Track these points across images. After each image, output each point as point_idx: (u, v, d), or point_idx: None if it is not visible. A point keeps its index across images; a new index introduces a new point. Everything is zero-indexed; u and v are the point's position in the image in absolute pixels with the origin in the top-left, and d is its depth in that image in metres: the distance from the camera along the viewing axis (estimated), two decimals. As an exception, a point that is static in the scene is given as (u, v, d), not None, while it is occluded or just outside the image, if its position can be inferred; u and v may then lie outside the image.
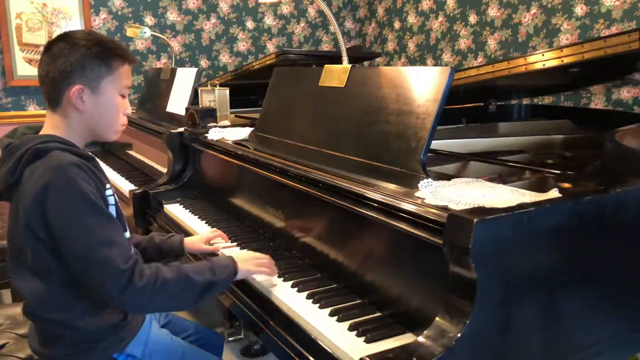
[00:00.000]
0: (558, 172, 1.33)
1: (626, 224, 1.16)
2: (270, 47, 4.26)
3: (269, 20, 4.22)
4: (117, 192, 2.43)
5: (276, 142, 1.79)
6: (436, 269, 1.01)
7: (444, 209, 1.04)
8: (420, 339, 0.96)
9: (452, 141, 1.78)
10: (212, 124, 2.32)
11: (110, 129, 1.29)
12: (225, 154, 1.92)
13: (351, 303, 1.22)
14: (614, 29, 2.64)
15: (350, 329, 1.11)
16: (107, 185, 1.23)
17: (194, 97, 2.57)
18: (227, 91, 2.51)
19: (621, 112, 2.59)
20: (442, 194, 1.12)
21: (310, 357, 1.09)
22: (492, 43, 3.33)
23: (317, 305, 1.21)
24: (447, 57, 3.67)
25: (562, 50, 1.58)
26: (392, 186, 1.23)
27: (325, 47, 4.47)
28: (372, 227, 1.22)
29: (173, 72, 2.81)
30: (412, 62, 4.00)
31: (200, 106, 2.50)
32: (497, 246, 0.95)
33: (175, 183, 2.20)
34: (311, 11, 4.35)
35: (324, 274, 1.38)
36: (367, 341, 1.06)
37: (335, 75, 1.63)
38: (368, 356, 0.95)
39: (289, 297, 1.27)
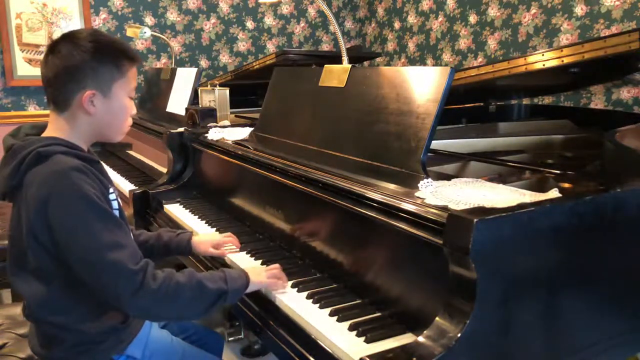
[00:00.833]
0: (558, 172, 1.33)
1: (626, 224, 1.16)
2: (270, 47, 4.26)
3: (269, 20, 4.22)
4: (117, 192, 2.43)
5: (276, 142, 1.78)
6: (436, 269, 1.01)
7: (444, 209, 1.04)
8: (420, 339, 0.96)
9: (452, 141, 1.78)
10: (212, 124, 2.32)
11: (118, 131, 1.28)
12: (225, 154, 1.92)
13: (351, 303, 1.22)
14: (614, 29, 2.64)
15: (350, 329, 1.11)
16: (111, 189, 1.22)
17: (194, 97, 2.57)
18: (227, 91, 2.51)
19: (621, 112, 2.59)
20: (442, 194, 1.12)
21: (310, 357, 1.09)
22: (492, 43, 3.33)
23: (317, 305, 1.21)
24: (447, 57, 3.67)
25: (562, 50, 1.58)
26: (392, 186, 1.23)
27: (325, 47, 4.47)
28: (372, 227, 1.22)
29: (173, 72, 2.81)
30: (412, 62, 4.00)
31: (200, 106, 2.50)
32: (497, 246, 0.95)
33: (175, 183, 2.20)
34: (311, 11, 4.35)
35: (324, 274, 1.38)
36: (367, 341, 1.06)
37: (335, 75, 1.63)
38: (368, 356, 0.95)
39: (289, 297, 1.26)
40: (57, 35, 1.25)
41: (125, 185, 2.48)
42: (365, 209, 1.21)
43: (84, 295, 1.18)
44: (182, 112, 2.51)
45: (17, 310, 1.57)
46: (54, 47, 1.20)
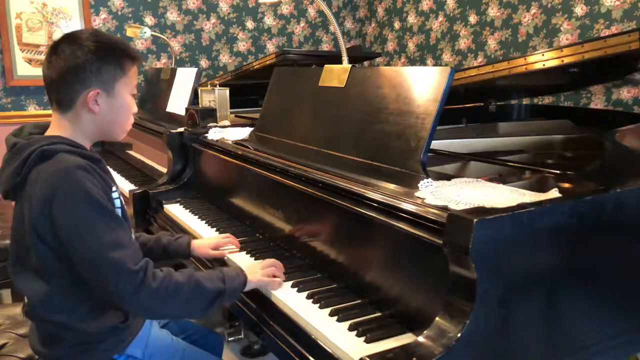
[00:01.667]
0: (558, 172, 1.33)
1: (626, 224, 1.16)
2: (270, 47, 4.26)
3: (269, 20, 4.22)
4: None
5: (276, 142, 1.79)
6: (436, 269, 1.01)
7: (444, 209, 1.04)
8: (420, 339, 0.96)
9: (452, 141, 1.78)
10: (212, 124, 2.32)
11: (121, 129, 1.29)
12: (225, 154, 1.92)
13: (351, 303, 1.22)
14: (614, 29, 2.64)
15: (350, 329, 1.11)
16: (114, 188, 1.23)
17: (194, 97, 2.57)
18: (227, 91, 2.51)
19: (621, 112, 2.59)
20: (442, 194, 1.12)
21: (310, 357, 1.09)
22: (492, 43, 3.33)
23: (317, 305, 1.21)
24: (447, 57, 3.67)
25: (562, 50, 1.58)
26: (392, 186, 1.23)
27: (325, 47, 4.47)
28: (372, 227, 1.22)
29: (173, 72, 2.81)
30: (412, 62, 4.00)
31: (200, 106, 2.50)
32: (497, 246, 0.95)
33: (175, 183, 2.20)
34: (311, 11, 4.35)
35: (324, 274, 1.38)
36: (367, 341, 1.06)
37: (335, 75, 1.63)
38: (368, 356, 0.95)
39: (289, 297, 1.26)
40: (57, 35, 1.25)
41: (125, 185, 2.48)
42: (365, 209, 1.21)
43: (85, 294, 1.18)
44: (182, 112, 2.51)
45: (17, 310, 1.57)
46: (56, 47, 1.20)
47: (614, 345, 1.19)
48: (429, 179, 1.20)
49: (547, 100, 2.96)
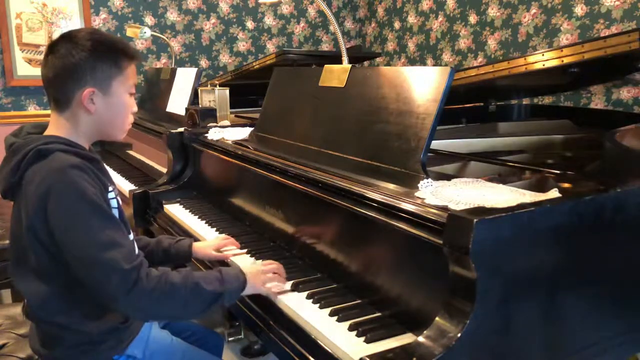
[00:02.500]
0: (558, 172, 1.33)
1: (626, 224, 1.16)
2: (270, 47, 4.26)
3: (269, 20, 4.22)
4: (118, 191, 2.43)
5: (276, 142, 1.79)
6: (436, 269, 1.01)
7: (444, 209, 1.04)
8: (420, 339, 0.96)
9: (452, 141, 1.78)
10: (212, 124, 2.32)
11: (119, 128, 1.29)
12: (225, 154, 1.92)
13: (351, 303, 1.22)
14: (614, 29, 2.64)
15: (350, 329, 1.11)
16: (110, 188, 1.22)
17: (194, 97, 2.57)
18: (227, 91, 2.51)
19: (621, 112, 2.59)
20: (442, 194, 1.12)
21: (310, 357, 1.09)
22: (492, 43, 3.33)
23: (317, 305, 1.21)
24: (447, 57, 3.67)
25: (562, 50, 1.58)
26: (392, 186, 1.23)
27: (325, 47, 4.47)
28: (372, 227, 1.22)
29: (173, 72, 2.81)
30: (412, 62, 4.00)
31: (200, 106, 2.50)
32: (497, 246, 0.95)
33: (175, 183, 2.20)
34: (311, 11, 4.35)
35: (324, 274, 1.38)
36: (367, 341, 1.06)
37: (335, 75, 1.63)
38: (368, 356, 0.95)
39: (289, 297, 1.26)
40: (57, 35, 1.25)
41: (125, 185, 2.48)
42: (365, 209, 1.21)
43: (85, 294, 1.18)
44: (182, 112, 2.51)
45: (17, 310, 1.57)
46: (53, 47, 1.20)
47: (614, 345, 1.19)
48: (429, 179, 1.20)
49: (547, 100, 2.96)
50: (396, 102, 1.38)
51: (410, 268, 1.13)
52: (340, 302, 1.22)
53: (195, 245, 1.52)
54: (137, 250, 1.20)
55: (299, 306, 1.22)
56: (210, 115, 2.38)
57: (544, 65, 1.62)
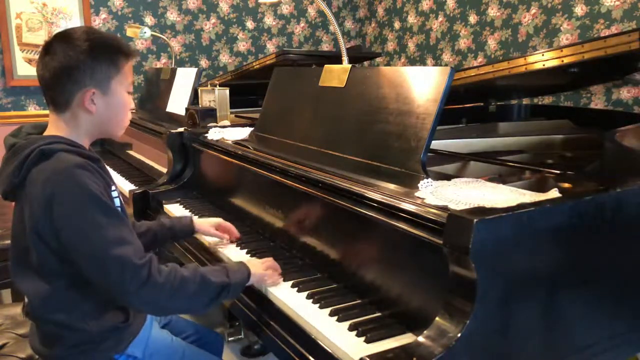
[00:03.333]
0: (558, 172, 1.33)
1: (626, 224, 1.16)
2: (270, 47, 4.26)
3: (269, 20, 4.22)
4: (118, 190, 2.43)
5: (276, 142, 1.79)
6: (436, 269, 1.01)
7: (444, 209, 1.04)
8: (420, 339, 0.96)
9: (452, 141, 1.78)
10: (212, 124, 2.32)
11: (119, 126, 1.29)
12: (225, 154, 1.92)
13: (351, 303, 1.22)
14: (614, 29, 2.64)
15: (350, 329, 1.11)
16: (113, 187, 1.23)
17: (194, 97, 2.57)
18: (227, 91, 2.51)
19: (621, 112, 2.59)
20: (442, 194, 1.12)
21: (310, 357, 1.09)
22: (492, 43, 3.33)
23: (317, 305, 1.21)
24: (447, 57, 3.67)
25: (562, 50, 1.58)
26: (392, 186, 1.23)
27: (325, 47, 4.47)
28: (372, 227, 1.22)
29: (173, 72, 2.81)
30: (412, 62, 4.00)
31: (200, 106, 2.50)
32: (497, 246, 0.95)
33: (175, 183, 2.20)
34: (311, 11, 4.35)
35: (324, 274, 1.38)
36: (367, 341, 1.06)
37: (335, 75, 1.63)
38: (368, 356, 0.95)
39: (289, 297, 1.26)
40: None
41: (125, 185, 2.48)
42: (365, 209, 1.21)
43: (86, 293, 1.18)
44: (182, 112, 2.51)
45: (17, 310, 1.57)
46: (49, 47, 1.20)
47: (614, 345, 1.19)
48: (429, 179, 1.20)
49: (547, 100, 2.96)
50: (396, 102, 1.38)
51: (410, 268, 1.13)
52: (340, 302, 1.22)
53: (196, 220, 1.60)
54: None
55: (299, 306, 1.22)
56: (210, 115, 2.38)
57: (544, 65, 1.62)
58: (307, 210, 1.49)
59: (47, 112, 1.26)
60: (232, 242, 1.62)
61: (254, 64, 2.87)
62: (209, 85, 2.54)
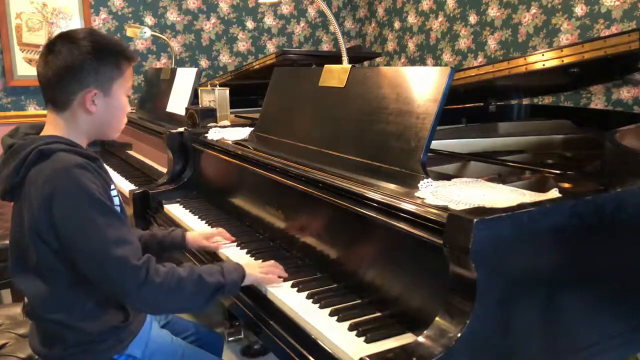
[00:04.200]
0: (558, 172, 1.33)
1: (626, 224, 1.16)
2: (270, 47, 4.26)
3: (269, 20, 4.22)
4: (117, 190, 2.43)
5: (276, 142, 1.79)
6: (436, 269, 1.01)
7: (444, 209, 1.04)
8: (420, 339, 0.96)
9: (452, 141, 1.78)
10: (212, 124, 2.32)
11: (115, 129, 1.30)
12: (225, 154, 1.92)
13: (351, 303, 1.22)
14: (614, 29, 2.64)
15: (350, 329, 1.11)
16: (112, 186, 1.23)
17: (194, 97, 2.57)
18: (227, 91, 2.51)
19: (621, 112, 2.59)
20: (442, 194, 1.12)
21: (310, 357, 1.09)
22: (492, 43, 3.33)
23: (317, 305, 1.21)
24: (447, 57, 3.67)
25: (562, 50, 1.58)
26: (392, 186, 1.23)
27: (325, 47, 4.47)
28: (372, 227, 1.22)
29: (173, 72, 2.81)
30: (412, 62, 4.00)
31: (200, 106, 2.50)
32: (497, 246, 0.95)
33: (175, 183, 2.20)
34: (311, 11, 4.35)
35: (324, 274, 1.38)
36: (367, 341, 1.06)
37: (335, 75, 1.63)
38: (368, 356, 0.95)
39: (289, 297, 1.26)
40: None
41: (125, 185, 2.48)
42: (365, 209, 1.21)
43: (86, 293, 1.18)
44: (182, 112, 2.51)
45: (17, 310, 1.57)
46: (52, 46, 1.20)
47: (614, 345, 1.19)
48: (429, 179, 1.20)
49: (547, 100, 2.96)
50: (396, 102, 1.38)
51: (410, 268, 1.13)
52: (340, 302, 1.22)
53: (188, 235, 1.58)
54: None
55: (299, 306, 1.22)
56: (210, 115, 2.39)
57: (544, 65, 1.62)
58: (307, 210, 1.48)
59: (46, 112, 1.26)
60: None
61: (254, 64, 2.87)
62: (209, 85, 2.54)
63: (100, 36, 1.23)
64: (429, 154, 1.31)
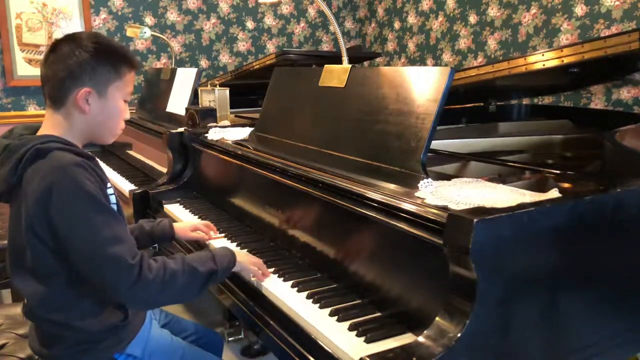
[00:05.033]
0: (558, 172, 1.33)
1: (626, 224, 1.16)
2: (270, 47, 4.26)
3: (269, 20, 4.22)
4: (117, 192, 2.43)
5: (276, 142, 1.79)
6: (436, 269, 1.01)
7: (444, 209, 1.04)
8: (420, 339, 0.96)
9: (452, 141, 1.78)
10: (212, 124, 2.32)
11: (110, 132, 1.30)
12: (225, 154, 1.92)
13: (351, 303, 1.22)
14: (614, 29, 2.64)
15: (350, 329, 1.11)
16: (108, 185, 1.23)
17: (194, 97, 2.57)
18: (227, 91, 2.51)
19: (621, 112, 2.59)
20: (442, 194, 1.12)
21: (310, 357, 1.09)
22: (492, 43, 3.33)
23: (317, 305, 1.21)
24: (447, 57, 3.67)
25: (562, 50, 1.58)
26: (392, 186, 1.23)
27: (325, 47, 4.47)
28: (372, 227, 1.22)
29: (173, 72, 2.81)
30: (412, 62, 4.00)
31: (200, 106, 2.50)
32: (497, 246, 0.95)
33: (175, 183, 2.20)
34: (311, 11, 4.35)
35: (324, 274, 1.38)
36: (367, 341, 1.06)
37: (335, 75, 1.63)
38: (368, 356, 0.95)
39: (289, 297, 1.27)
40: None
41: (125, 185, 2.48)
42: (365, 209, 1.21)
43: (84, 292, 1.18)
44: (182, 112, 2.51)
45: (17, 310, 1.56)
46: (56, 46, 1.22)
47: (614, 345, 1.19)
48: (429, 179, 1.20)
49: (547, 100, 2.96)
50: (396, 102, 1.38)
51: (410, 268, 1.13)
52: (340, 302, 1.22)
53: (175, 225, 1.60)
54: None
55: (299, 306, 1.22)
56: (210, 115, 2.39)
57: (544, 65, 1.62)
58: (307, 210, 1.49)
59: (46, 112, 1.26)
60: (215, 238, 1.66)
61: (254, 64, 2.87)
62: (209, 85, 2.54)
63: (104, 39, 1.25)
64: (429, 154, 1.31)
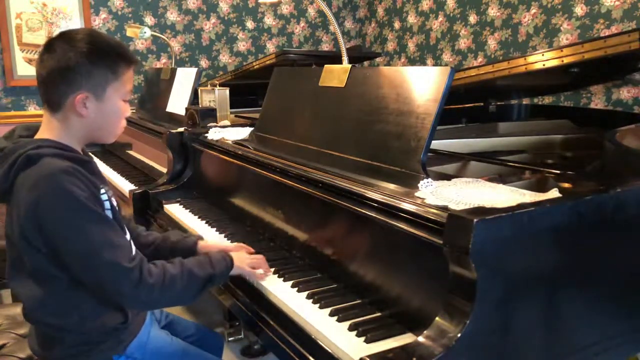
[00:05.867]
0: (558, 172, 1.33)
1: (626, 224, 1.16)
2: (270, 47, 4.26)
3: (269, 20, 4.22)
4: (117, 192, 2.43)
5: (276, 142, 1.79)
6: (436, 269, 1.01)
7: (444, 209, 1.04)
8: (420, 339, 0.96)
9: (452, 141, 1.78)
10: (212, 124, 2.32)
11: (110, 133, 1.27)
12: (225, 154, 1.92)
13: (351, 303, 1.22)
14: (614, 29, 2.64)
15: (350, 329, 1.11)
16: (102, 190, 1.20)
17: (194, 97, 2.57)
18: (227, 91, 2.51)
19: (621, 112, 2.59)
20: (442, 194, 1.12)
21: (310, 357, 1.09)
22: (492, 43, 3.33)
23: (317, 305, 1.21)
24: (447, 57, 3.67)
25: (562, 50, 1.58)
26: (392, 186, 1.23)
27: (325, 47, 4.47)
28: (372, 227, 1.22)
29: (173, 72, 2.81)
30: (412, 62, 4.00)
31: (200, 106, 2.50)
32: (497, 246, 0.95)
33: (175, 183, 2.20)
34: (311, 11, 4.35)
35: (324, 274, 1.38)
36: (367, 341, 1.06)
37: (335, 75, 1.63)
38: (368, 356, 0.95)
39: (289, 297, 1.26)
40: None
41: (125, 185, 2.48)
42: (365, 209, 1.21)
43: (82, 296, 1.18)
44: (182, 112, 2.51)
45: (17, 310, 1.57)
46: (50, 45, 1.18)
47: (614, 345, 1.19)
48: (429, 179, 1.20)
49: (547, 100, 2.96)
50: (396, 102, 1.38)
51: (410, 268, 1.13)
52: (340, 302, 1.22)
53: (201, 243, 1.50)
54: (134, 250, 1.20)
55: (299, 306, 1.22)
56: (210, 115, 2.38)
57: (544, 65, 1.62)
58: (308, 210, 1.48)
59: (46, 112, 1.25)
60: None
61: (254, 64, 2.87)
62: (209, 85, 2.54)
63: (99, 37, 1.21)
64: (429, 154, 1.31)
